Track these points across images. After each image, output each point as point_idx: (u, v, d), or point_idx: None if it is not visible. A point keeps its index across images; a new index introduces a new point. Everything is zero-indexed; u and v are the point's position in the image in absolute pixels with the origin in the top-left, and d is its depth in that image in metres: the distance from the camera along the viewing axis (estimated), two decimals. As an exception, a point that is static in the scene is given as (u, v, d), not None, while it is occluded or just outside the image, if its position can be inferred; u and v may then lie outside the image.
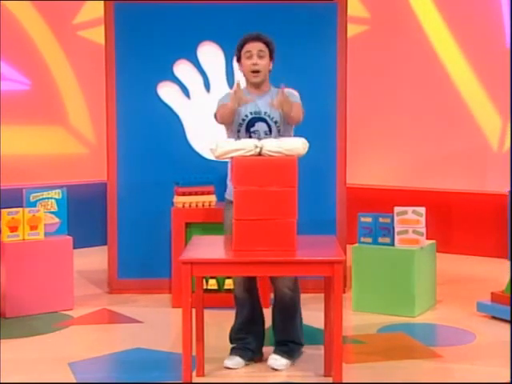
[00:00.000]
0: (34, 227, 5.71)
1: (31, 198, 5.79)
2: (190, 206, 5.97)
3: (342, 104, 6.33)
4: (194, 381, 4.12)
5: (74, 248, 5.90)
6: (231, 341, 4.67)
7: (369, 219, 5.78)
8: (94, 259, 7.53)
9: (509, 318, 5.32)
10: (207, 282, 5.82)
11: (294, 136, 4.52)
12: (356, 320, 5.56)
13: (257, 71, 4.52)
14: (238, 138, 4.51)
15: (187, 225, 5.92)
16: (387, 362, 4.63)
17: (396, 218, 5.67)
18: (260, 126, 4.54)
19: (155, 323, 5.53)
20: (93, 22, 8.74)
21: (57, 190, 5.90)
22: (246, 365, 4.54)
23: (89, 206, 8.21)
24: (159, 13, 6.29)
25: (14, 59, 8.46)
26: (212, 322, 5.16)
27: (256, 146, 4.23)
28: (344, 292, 5.72)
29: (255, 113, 4.55)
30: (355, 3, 8.51)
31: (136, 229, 6.33)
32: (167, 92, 6.36)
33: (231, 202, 4.38)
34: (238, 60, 4.59)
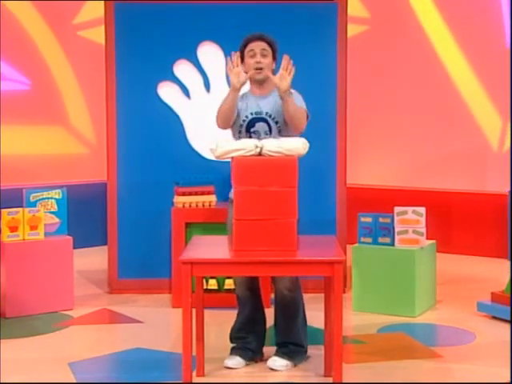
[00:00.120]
0: (34, 227, 5.71)
1: (31, 198, 5.79)
2: (190, 206, 5.97)
3: (342, 104, 6.33)
4: (194, 381, 4.12)
5: (74, 248, 5.90)
6: (231, 340, 4.67)
7: (369, 219, 5.78)
8: (94, 259, 7.53)
9: (509, 318, 5.32)
10: (207, 281, 5.81)
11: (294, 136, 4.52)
12: (356, 320, 5.56)
13: (260, 68, 4.54)
14: (239, 138, 4.52)
15: (187, 225, 5.91)
16: (387, 362, 4.62)
17: (396, 218, 5.67)
18: (260, 126, 4.55)
19: (155, 323, 5.53)
20: (93, 22, 8.74)
21: (57, 190, 5.89)
22: (247, 365, 4.53)
23: (89, 205, 8.20)
24: (159, 13, 6.29)
25: (14, 59, 8.46)
26: (212, 322, 5.16)
27: (256, 146, 4.24)
28: (344, 292, 5.72)
29: (256, 113, 4.56)
30: (355, 3, 8.51)
31: (136, 229, 6.33)
32: (167, 92, 6.36)
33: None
34: (242, 61, 4.59)
